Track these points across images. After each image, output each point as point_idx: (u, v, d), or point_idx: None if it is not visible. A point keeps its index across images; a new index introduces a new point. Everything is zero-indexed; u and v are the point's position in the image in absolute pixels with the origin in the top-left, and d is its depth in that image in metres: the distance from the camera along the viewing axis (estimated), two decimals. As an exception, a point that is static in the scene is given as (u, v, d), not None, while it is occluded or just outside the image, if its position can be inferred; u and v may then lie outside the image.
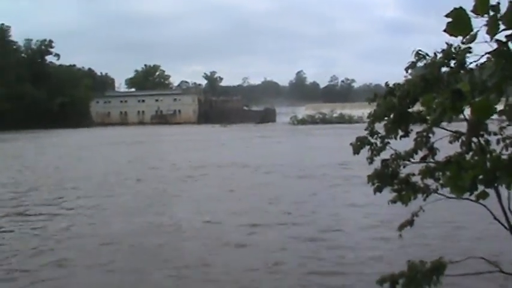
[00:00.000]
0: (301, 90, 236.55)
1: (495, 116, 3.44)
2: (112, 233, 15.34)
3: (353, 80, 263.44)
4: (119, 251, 13.44)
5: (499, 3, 2.29)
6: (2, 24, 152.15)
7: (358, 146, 5.15)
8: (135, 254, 13.24)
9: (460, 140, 4.86)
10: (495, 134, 4.99)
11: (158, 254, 13.17)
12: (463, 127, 4.32)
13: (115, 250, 13.55)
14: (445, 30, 2.42)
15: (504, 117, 4.07)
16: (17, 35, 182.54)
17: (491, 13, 2.29)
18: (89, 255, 13.11)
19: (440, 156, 4.96)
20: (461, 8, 2.36)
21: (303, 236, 14.43)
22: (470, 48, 3.92)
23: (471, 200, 4.17)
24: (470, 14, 2.32)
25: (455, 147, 4.79)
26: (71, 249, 13.76)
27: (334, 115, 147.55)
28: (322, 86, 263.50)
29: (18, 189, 24.92)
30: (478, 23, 2.35)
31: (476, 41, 2.61)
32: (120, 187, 25.34)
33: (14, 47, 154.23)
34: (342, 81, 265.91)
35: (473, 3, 2.29)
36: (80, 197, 22.22)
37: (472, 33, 2.41)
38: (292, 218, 16.96)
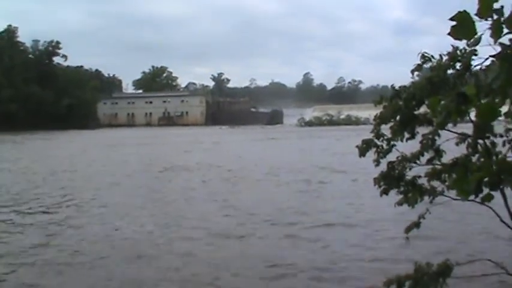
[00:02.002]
0: (309, 92, 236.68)
1: (502, 118, 3.46)
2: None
3: (360, 82, 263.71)
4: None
5: (502, 6, 2.30)
6: (9, 25, 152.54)
7: (364, 148, 5.16)
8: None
9: (466, 142, 4.87)
10: (501, 136, 5.00)
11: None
12: (469, 128, 4.33)
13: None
14: (449, 34, 2.43)
15: (510, 120, 4.09)
16: (25, 36, 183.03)
17: (495, 16, 2.30)
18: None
19: (446, 158, 4.97)
20: (465, 11, 2.37)
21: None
22: (475, 50, 3.93)
23: (477, 202, 4.17)
24: (474, 18, 2.34)
25: (462, 149, 4.80)
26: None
27: (341, 117, 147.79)
28: (329, 87, 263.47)
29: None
30: (482, 26, 2.36)
31: (480, 43, 2.63)
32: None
33: (21, 48, 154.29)
34: (349, 82, 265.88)
35: (476, 6, 2.30)
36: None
37: (476, 36, 2.42)
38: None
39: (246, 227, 15.89)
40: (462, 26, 2.37)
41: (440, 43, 3.55)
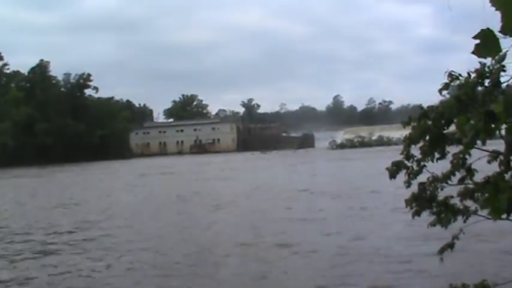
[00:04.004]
0: (339, 114, 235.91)
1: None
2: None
3: (390, 102, 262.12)
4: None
5: (526, 22, 2.26)
6: (42, 60, 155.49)
7: (394, 170, 5.10)
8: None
9: (498, 160, 4.79)
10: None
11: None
12: (502, 144, 4.27)
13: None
14: (473, 52, 2.40)
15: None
16: (56, 70, 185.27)
17: (519, 33, 2.27)
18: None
19: (479, 177, 4.89)
20: (488, 29, 2.34)
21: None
22: (504, 66, 3.87)
23: (510, 220, 4.09)
24: (498, 35, 2.30)
25: (495, 167, 4.73)
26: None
27: (373, 138, 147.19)
28: (359, 109, 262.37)
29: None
30: (507, 43, 2.33)
31: (506, 60, 2.59)
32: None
33: (54, 81, 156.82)
34: (380, 103, 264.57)
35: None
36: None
37: (501, 53, 2.38)
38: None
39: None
40: (486, 43, 2.34)
41: (471, 60, 3.50)
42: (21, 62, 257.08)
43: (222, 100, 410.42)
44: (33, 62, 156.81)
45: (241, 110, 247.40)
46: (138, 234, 21.07)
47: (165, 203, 31.59)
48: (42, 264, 16.16)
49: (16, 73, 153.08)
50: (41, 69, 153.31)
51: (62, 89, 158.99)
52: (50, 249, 18.43)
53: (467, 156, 4.88)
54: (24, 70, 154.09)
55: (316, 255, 15.79)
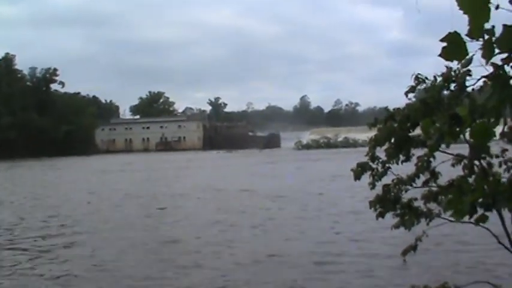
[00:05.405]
0: (306, 115, 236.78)
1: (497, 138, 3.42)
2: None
3: (357, 104, 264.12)
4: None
5: (493, 26, 2.27)
6: (7, 53, 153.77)
7: (359, 171, 5.13)
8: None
9: (462, 163, 4.84)
10: (497, 156, 4.98)
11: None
12: (466, 148, 4.30)
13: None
14: (440, 55, 2.40)
15: (505, 140, 4.06)
16: (22, 64, 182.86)
17: (486, 37, 2.28)
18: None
19: (443, 180, 4.94)
20: (456, 32, 2.34)
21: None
22: (469, 71, 3.91)
23: (472, 223, 4.12)
24: (465, 38, 2.31)
25: (459, 171, 4.78)
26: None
27: (339, 139, 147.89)
28: (326, 110, 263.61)
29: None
30: (473, 46, 2.33)
31: (472, 64, 2.60)
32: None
33: (19, 75, 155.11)
34: (346, 105, 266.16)
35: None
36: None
37: (467, 57, 2.39)
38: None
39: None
40: (453, 47, 2.34)
41: (439, 64, 3.52)
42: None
43: (189, 98, 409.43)
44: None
45: (208, 108, 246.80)
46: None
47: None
48: None
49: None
50: (6, 62, 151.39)
51: (28, 83, 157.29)
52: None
53: (431, 159, 4.93)
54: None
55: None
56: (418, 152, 4.91)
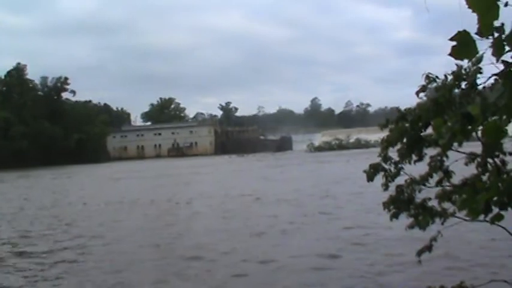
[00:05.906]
0: (317, 117, 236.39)
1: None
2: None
3: (368, 105, 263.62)
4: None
5: (503, 24, 2.26)
6: (18, 63, 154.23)
7: (371, 173, 5.11)
8: None
9: (475, 162, 4.81)
10: (511, 153, 4.93)
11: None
12: (479, 147, 4.27)
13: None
14: (450, 54, 2.39)
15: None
16: (33, 73, 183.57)
17: (496, 35, 2.27)
18: None
19: (456, 179, 4.91)
20: (465, 30, 2.33)
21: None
22: (480, 69, 3.88)
23: (487, 222, 4.08)
24: (475, 36, 2.30)
25: (472, 169, 4.74)
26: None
27: (351, 140, 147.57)
28: (337, 111, 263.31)
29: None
30: (483, 44, 2.32)
31: (483, 62, 2.59)
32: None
33: (31, 85, 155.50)
34: (357, 106, 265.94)
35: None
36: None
37: (477, 55, 2.38)
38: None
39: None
40: (463, 45, 2.33)
41: (450, 62, 3.50)
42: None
43: (200, 103, 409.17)
44: (10, 65, 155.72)
45: (219, 113, 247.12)
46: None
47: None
48: None
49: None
50: (17, 72, 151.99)
51: (39, 92, 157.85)
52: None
53: (444, 158, 4.90)
54: (1, 73, 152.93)
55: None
56: (430, 152, 4.88)
